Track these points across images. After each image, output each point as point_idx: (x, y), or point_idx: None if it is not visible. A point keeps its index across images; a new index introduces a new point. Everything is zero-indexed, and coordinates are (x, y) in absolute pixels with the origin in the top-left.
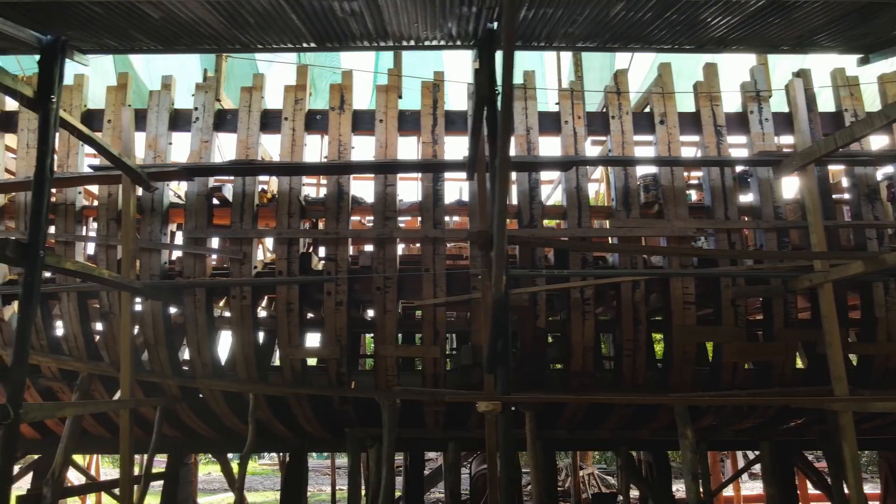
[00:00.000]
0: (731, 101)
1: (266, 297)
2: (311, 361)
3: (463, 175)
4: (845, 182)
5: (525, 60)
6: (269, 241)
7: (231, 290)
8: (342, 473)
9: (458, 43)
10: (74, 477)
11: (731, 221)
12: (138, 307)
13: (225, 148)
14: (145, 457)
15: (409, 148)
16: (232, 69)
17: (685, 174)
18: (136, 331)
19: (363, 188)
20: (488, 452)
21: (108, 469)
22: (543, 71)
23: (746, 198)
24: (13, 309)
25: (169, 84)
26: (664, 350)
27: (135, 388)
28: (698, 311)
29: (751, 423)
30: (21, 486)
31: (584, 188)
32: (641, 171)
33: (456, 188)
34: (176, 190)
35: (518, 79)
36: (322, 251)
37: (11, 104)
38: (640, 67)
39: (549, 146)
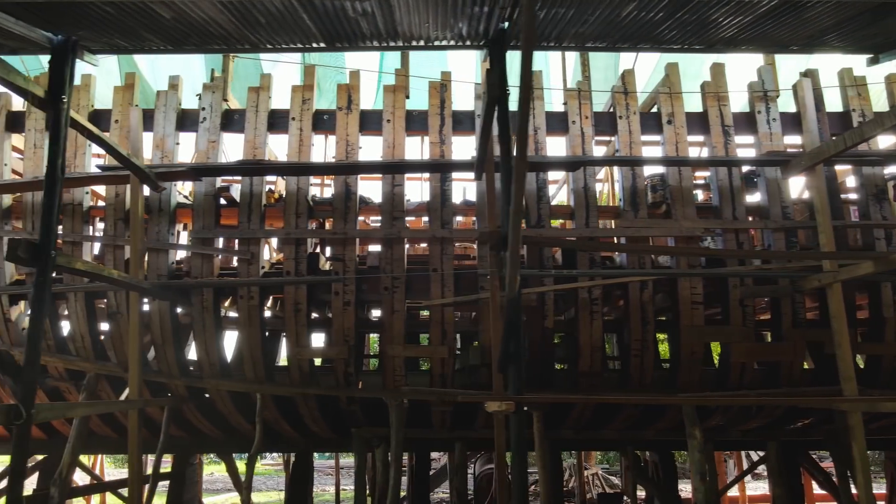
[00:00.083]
0: (735, 101)
1: (271, 298)
2: (316, 361)
3: (466, 175)
4: (851, 182)
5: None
6: (272, 241)
7: (239, 290)
8: (345, 474)
9: (468, 43)
10: (79, 477)
11: (740, 221)
12: (145, 307)
13: (227, 148)
14: (149, 457)
15: (412, 148)
16: (236, 70)
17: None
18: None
19: (364, 188)
20: (497, 452)
21: (111, 469)
22: (548, 71)
23: (752, 198)
24: (20, 309)
25: (176, 84)
26: (672, 350)
27: (142, 389)
28: (705, 311)
29: (758, 423)
30: (26, 487)
31: (592, 188)
32: (648, 171)
33: (458, 188)
34: (181, 190)
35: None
36: (328, 251)
37: (16, 104)
38: (645, 67)
39: (552, 146)
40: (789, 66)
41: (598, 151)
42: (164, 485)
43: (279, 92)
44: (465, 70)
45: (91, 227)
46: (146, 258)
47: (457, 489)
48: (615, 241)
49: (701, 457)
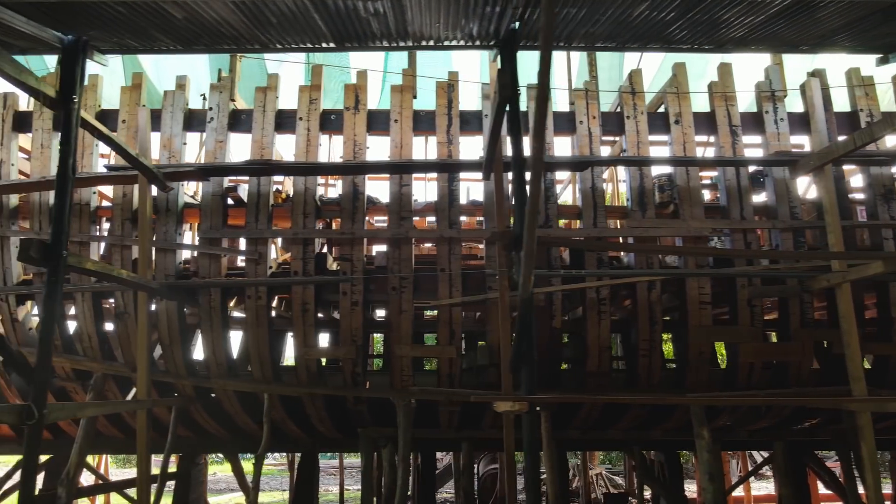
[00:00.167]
0: (739, 101)
1: (276, 298)
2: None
3: (473, 175)
4: (857, 182)
5: (533, 60)
6: (277, 241)
7: (246, 290)
8: (348, 474)
9: (478, 43)
10: (84, 478)
11: (748, 221)
12: (152, 307)
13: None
14: (154, 457)
15: (417, 147)
16: (224, 68)
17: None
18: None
19: (368, 187)
20: (506, 452)
21: (113, 470)
22: (552, 71)
23: (757, 197)
24: (27, 309)
25: (184, 84)
26: (680, 350)
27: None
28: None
29: (766, 423)
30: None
31: (600, 188)
32: (656, 171)
33: (461, 188)
34: (185, 190)
35: (532, 79)
36: (335, 251)
37: (21, 104)
38: (649, 67)
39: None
40: (793, 67)
41: (603, 152)
42: (169, 485)
43: (283, 92)
44: (468, 70)
45: (98, 228)
46: (153, 258)
47: (464, 489)
48: (623, 241)
49: (709, 457)
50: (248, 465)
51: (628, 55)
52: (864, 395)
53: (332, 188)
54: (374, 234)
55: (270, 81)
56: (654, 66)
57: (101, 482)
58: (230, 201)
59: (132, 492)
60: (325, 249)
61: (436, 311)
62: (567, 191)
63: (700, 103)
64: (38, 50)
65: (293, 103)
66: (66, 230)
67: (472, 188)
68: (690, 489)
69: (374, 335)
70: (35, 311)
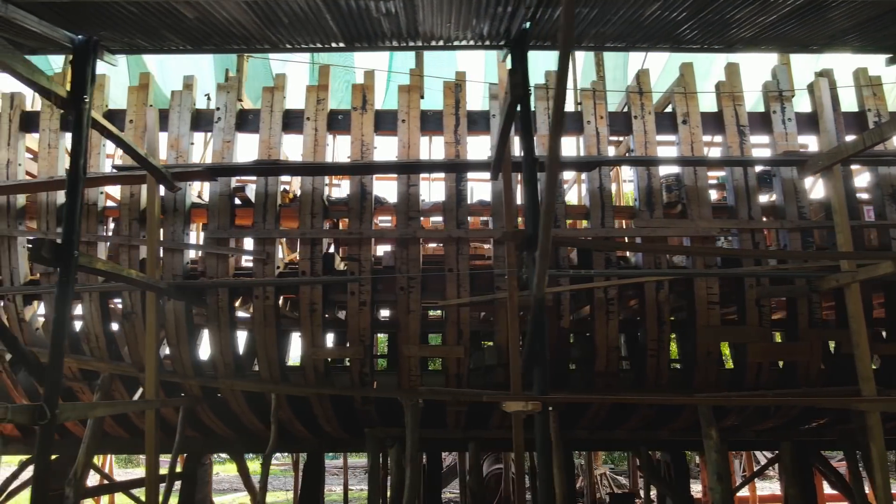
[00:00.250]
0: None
1: (280, 298)
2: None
3: (481, 175)
4: (863, 182)
5: (539, 61)
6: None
7: (254, 290)
8: (351, 474)
9: (488, 43)
10: (89, 478)
11: (756, 221)
12: None
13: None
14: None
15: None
16: (229, 68)
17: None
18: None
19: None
20: (516, 453)
21: (117, 470)
22: (554, 71)
23: (763, 197)
24: (33, 309)
25: (191, 84)
26: (688, 350)
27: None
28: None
29: (773, 423)
30: None
31: (608, 188)
32: (663, 171)
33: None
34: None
35: (537, 79)
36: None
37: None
38: (654, 67)
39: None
40: (797, 67)
41: (608, 152)
42: (175, 485)
43: (287, 92)
44: (472, 70)
45: (105, 228)
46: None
47: (471, 489)
48: (631, 241)
49: (717, 457)
50: (251, 465)
51: (632, 55)
52: (873, 395)
53: (335, 188)
54: (383, 234)
55: (278, 81)
56: (659, 67)
57: (106, 482)
58: (237, 201)
59: (137, 492)
60: (331, 249)
61: (440, 311)
62: (570, 191)
63: (705, 103)
64: (48, 50)
65: (296, 103)
66: (78, 230)
67: (474, 188)
68: (694, 489)
69: (377, 335)
70: (40, 311)
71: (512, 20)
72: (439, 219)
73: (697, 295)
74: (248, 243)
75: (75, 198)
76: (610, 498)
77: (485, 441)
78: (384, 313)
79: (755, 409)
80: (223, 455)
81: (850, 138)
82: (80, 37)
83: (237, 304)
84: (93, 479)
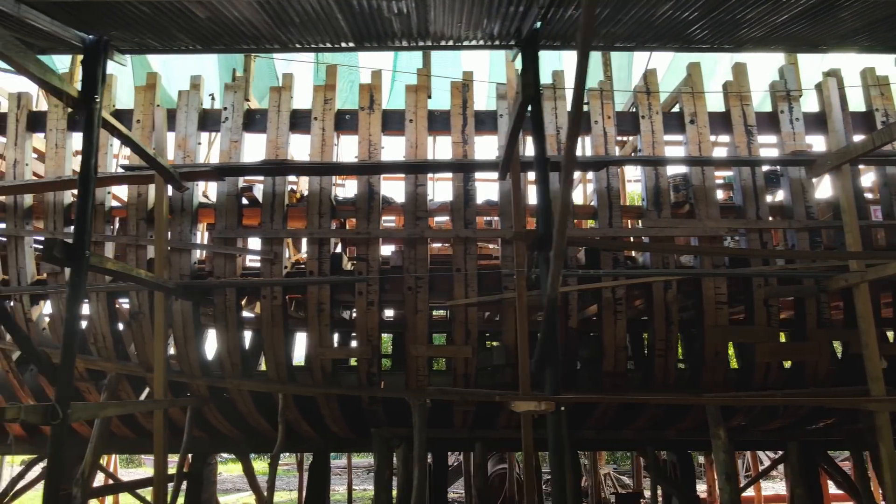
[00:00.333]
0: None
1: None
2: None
3: (482, 175)
4: (868, 182)
5: (545, 60)
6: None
7: (262, 290)
8: (355, 474)
9: (497, 43)
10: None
11: (764, 221)
12: None
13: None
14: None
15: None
16: (233, 68)
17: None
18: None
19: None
20: (525, 453)
21: (120, 470)
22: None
23: (769, 197)
24: (40, 309)
25: (198, 84)
26: (696, 350)
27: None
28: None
29: (780, 423)
30: (40, 486)
31: (615, 188)
32: (670, 170)
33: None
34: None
35: (546, 79)
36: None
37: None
38: (659, 67)
39: None
40: (801, 67)
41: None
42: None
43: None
44: (477, 70)
45: (112, 228)
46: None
47: (476, 488)
48: (638, 241)
49: (726, 457)
50: (254, 465)
51: (637, 56)
52: (883, 395)
53: (339, 188)
54: (391, 233)
55: (285, 81)
56: (664, 67)
57: (112, 482)
58: (245, 201)
59: (143, 491)
60: (338, 249)
61: (443, 311)
62: (574, 191)
63: (711, 103)
64: (58, 50)
65: (299, 104)
66: (89, 230)
67: (477, 188)
68: (699, 489)
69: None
70: (46, 310)
71: (523, 20)
72: (442, 219)
73: (705, 295)
74: (252, 243)
75: (86, 197)
76: (616, 498)
77: (491, 441)
78: (387, 313)
79: (763, 409)
80: (224, 455)
81: (857, 138)
82: (90, 36)
83: (242, 304)
84: (98, 480)
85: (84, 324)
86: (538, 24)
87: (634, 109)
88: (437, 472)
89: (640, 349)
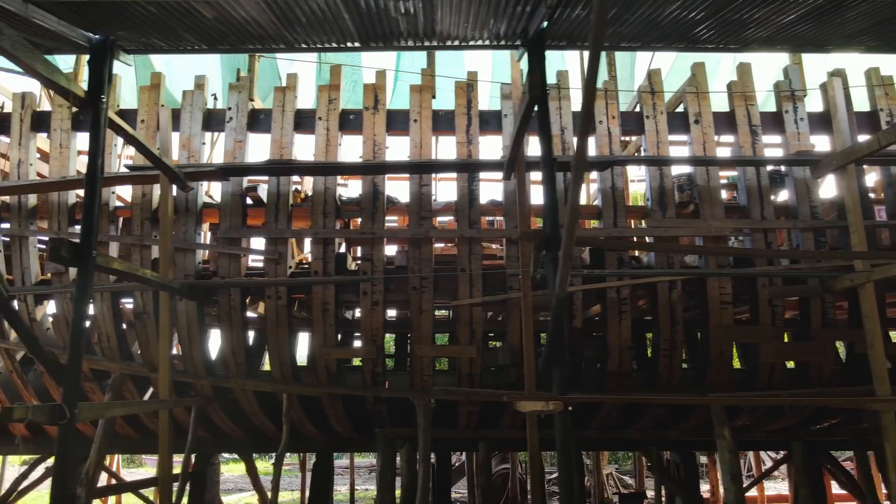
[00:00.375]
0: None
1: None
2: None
3: (487, 175)
4: (869, 182)
5: (547, 61)
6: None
7: (266, 290)
8: (357, 474)
9: (503, 43)
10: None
11: (769, 221)
12: None
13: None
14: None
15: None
16: (235, 68)
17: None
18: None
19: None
20: (530, 453)
21: (122, 470)
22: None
23: (773, 197)
24: (44, 309)
25: (202, 84)
26: (700, 350)
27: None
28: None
29: (785, 423)
30: (43, 487)
31: (620, 188)
32: (675, 170)
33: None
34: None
35: (550, 79)
36: (358, 251)
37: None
38: (661, 67)
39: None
40: (804, 67)
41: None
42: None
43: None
44: (480, 70)
45: (116, 228)
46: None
47: (481, 488)
48: (643, 241)
49: (731, 457)
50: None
51: (640, 56)
52: (888, 395)
53: (342, 188)
54: (395, 233)
55: (289, 81)
56: (666, 67)
57: (115, 482)
58: (249, 201)
59: (146, 491)
60: (342, 249)
61: (446, 311)
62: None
63: (716, 103)
64: (64, 49)
65: (302, 103)
66: (96, 230)
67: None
68: (702, 489)
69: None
70: (49, 310)
71: (530, 20)
72: (445, 219)
73: (710, 295)
74: (256, 243)
75: (93, 197)
76: (619, 498)
77: (495, 441)
78: (390, 313)
79: (768, 409)
80: (225, 455)
81: (862, 138)
82: (97, 36)
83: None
84: (101, 480)
85: (87, 324)
86: (545, 24)
87: (639, 109)
88: (441, 471)
89: (643, 349)
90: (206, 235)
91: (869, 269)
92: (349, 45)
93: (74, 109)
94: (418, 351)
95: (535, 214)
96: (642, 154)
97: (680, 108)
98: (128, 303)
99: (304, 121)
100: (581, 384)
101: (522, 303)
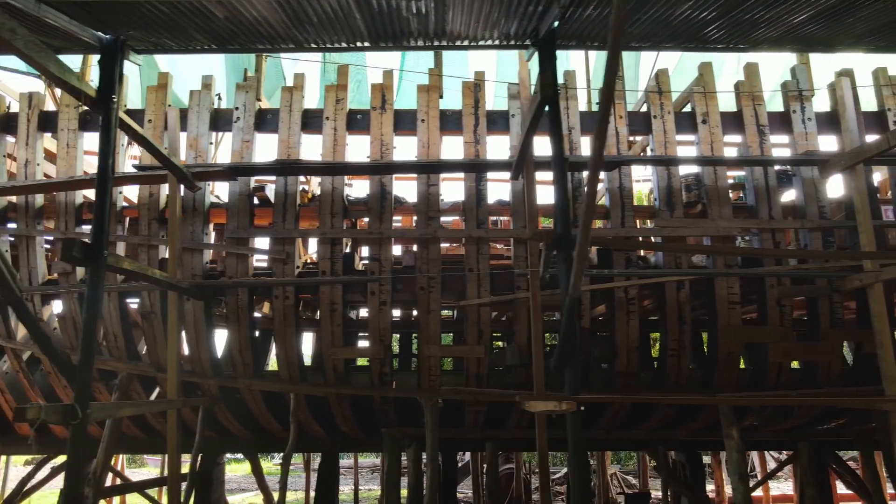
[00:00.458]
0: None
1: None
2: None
3: (493, 175)
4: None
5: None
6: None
7: (274, 290)
8: (360, 474)
9: (513, 43)
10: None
11: (777, 221)
12: None
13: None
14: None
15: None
16: (239, 68)
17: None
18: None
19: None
20: (539, 453)
21: (126, 470)
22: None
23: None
24: (51, 309)
25: (209, 84)
26: (708, 350)
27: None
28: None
29: (791, 423)
30: (52, 486)
31: (628, 188)
32: (682, 170)
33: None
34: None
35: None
36: (365, 251)
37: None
38: (666, 67)
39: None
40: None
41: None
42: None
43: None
44: (484, 70)
45: (123, 227)
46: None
47: (488, 488)
48: (650, 241)
49: (739, 457)
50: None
51: (644, 56)
52: None
53: (347, 188)
54: (403, 233)
55: (296, 81)
56: (671, 67)
57: (120, 482)
58: (256, 201)
59: (151, 491)
60: (347, 249)
61: (450, 311)
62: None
63: (723, 103)
64: (74, 49)
65: (306, 103)
66: (107, 230)
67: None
68: (708, 489)
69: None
70: (55, 310)
71: (541, 19)
72: (447, 219)
73: (718, 295)
74: (259, 242)
75: (104, 197)
76: (625, 498)
77: (502, 441)
78: (395, 313)
79: (776, 408)
80: (228, 455)
81: (869, 138)
82: (108, 36)
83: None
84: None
85: None
86: (556, 24)
87: (647, 109)
88: (447, 471)
89: (647, 349)
90: (211, 236)
91: (878, 268)
92: (359, 44)
93: (81, 110)
94: (426, 351)
95: (541, 214)
96: (649, 154)
97: (686, 108)
98: (132, 303)
99: (311, 121)
100: (588, 384)
101: (531, 303)
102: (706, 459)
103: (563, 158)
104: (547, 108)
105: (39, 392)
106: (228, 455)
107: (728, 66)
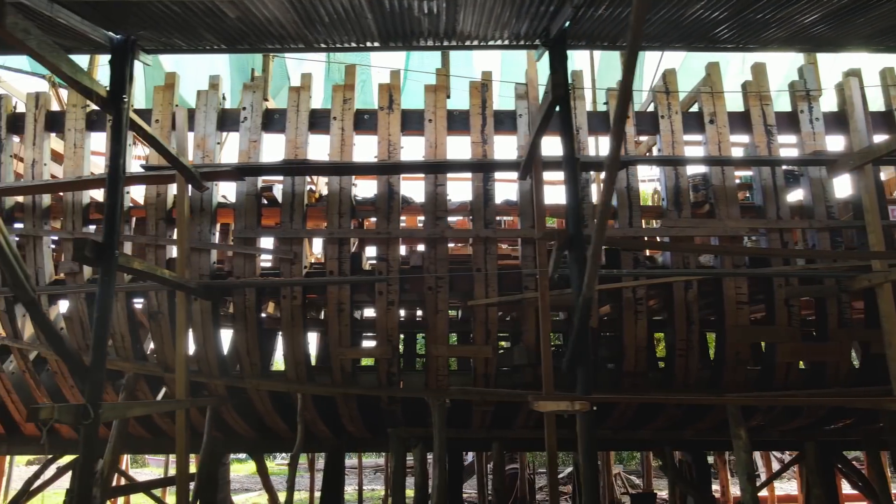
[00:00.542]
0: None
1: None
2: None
3: (500, 175)
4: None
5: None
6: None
7: (282, 290)
8: (364, 473)
9: (523, 43)
10: None
11: (784, 221)
12: None
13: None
14: (171, 457)
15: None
16: (244, 68)
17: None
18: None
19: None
20: (549, 453)
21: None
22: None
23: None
24: (57, 309)
25: (217, 84)
26: (716, 350)
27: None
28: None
29: (799, 423)
30: (57, 486)
31: (635, 188)
32: (689, 170)
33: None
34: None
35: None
36: (372, 251)
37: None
38: (672, 67)
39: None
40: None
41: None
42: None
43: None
44: (489, 70)
45: (129, 227)
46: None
47: (495, 489)
48: (656, 240)
49: (747, 457)
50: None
51: (648, 55)
52: None
53: (353, 188)
54: (411, 233)
55: (304, 81)
56: (675, 66)
57: (125, 482)
58: (264, 201)
59: (158, 491)
60: (354, 248)
61: (454, 311)
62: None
63: (730, 103)
64: (84, 49)
65: (311, 103)
66: (118, 229)
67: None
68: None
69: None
70: (62, 310)
71: (552, 19)
72: (452, 219)
73: (726, 295)
74: (265, 242)
75: (115, 197)
76: (630, 498)
77: (509, 441)
78: (401, 313)
79: (784, 409)
80: (230, 455)
81: (877, 138)
82: (118, 36)
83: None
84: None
85: None
86: (567, 24)
87: (654, 109)
88: (453, 471)
89: (651, 349)
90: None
91: (887, 268)
92: (369, 44)
93: (88, 109)
94: (434, 351)
95: (548, 214)
96: (655, 154)
97: (693, 108)
98: (137, 303)
99: (318, 121)
100: (596, 384)
101: (540, 303)
102: (710, 459)
103: (574, 158)
104: (558, 108)
105: (45, 392)
106: (231, 455)
107: (732, 66)
